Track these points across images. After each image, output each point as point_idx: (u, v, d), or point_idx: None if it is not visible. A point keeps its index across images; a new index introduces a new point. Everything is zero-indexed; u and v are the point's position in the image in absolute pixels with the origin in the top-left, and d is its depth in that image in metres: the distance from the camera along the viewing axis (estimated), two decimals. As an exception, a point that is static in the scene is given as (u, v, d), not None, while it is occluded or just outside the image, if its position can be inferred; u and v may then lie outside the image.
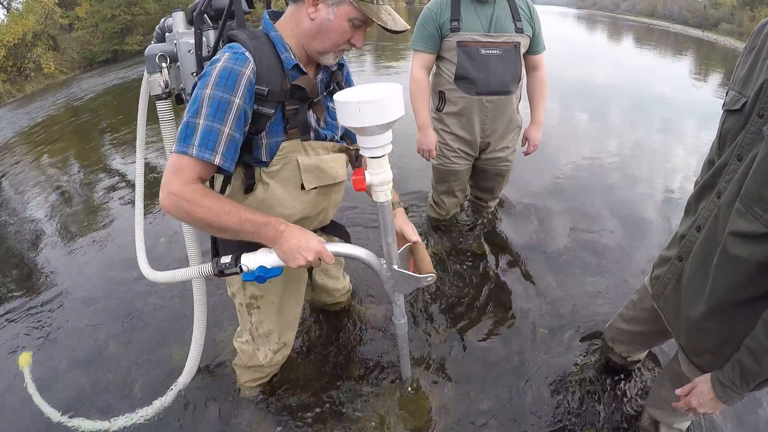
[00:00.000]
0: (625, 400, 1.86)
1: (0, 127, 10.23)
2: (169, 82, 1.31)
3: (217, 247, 1.43)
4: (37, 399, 1.85)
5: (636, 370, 1.96)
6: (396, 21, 1.15)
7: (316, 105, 1.28)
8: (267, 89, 1.12)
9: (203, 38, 1.25)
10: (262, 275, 1.19)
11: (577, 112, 6.19)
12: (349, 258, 1.30)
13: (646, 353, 1.94)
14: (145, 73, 1.34)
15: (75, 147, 6.77)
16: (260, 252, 1.22)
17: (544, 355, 2.06)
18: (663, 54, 14.85)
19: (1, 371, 2.17)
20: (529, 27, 2.22)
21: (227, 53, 1.08)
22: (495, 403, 1.84)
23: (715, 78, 10.36)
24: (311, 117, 1.26)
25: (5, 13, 21.69)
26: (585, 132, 5.41)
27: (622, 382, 1.93)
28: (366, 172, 1.14)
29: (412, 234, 1.38)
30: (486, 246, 2.82)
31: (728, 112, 1.06)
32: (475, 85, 2.24)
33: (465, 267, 2.63)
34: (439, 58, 2.31)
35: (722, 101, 1.10)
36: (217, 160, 1.07)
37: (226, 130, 1.07)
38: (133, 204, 4.01)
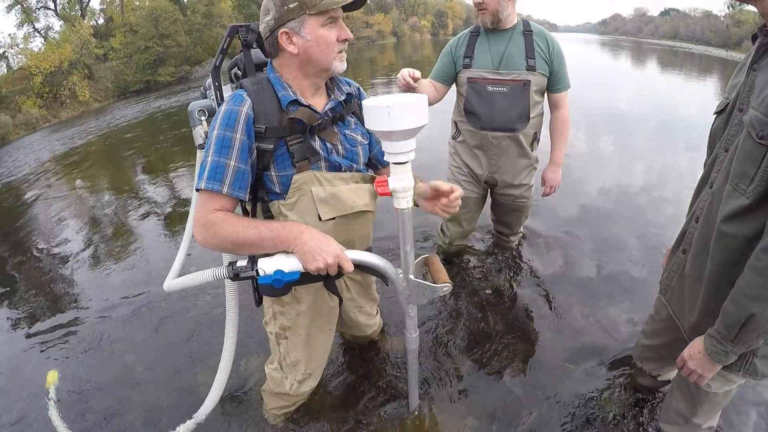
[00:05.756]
0: (652, 426, 1.80)
1: (35, 150, 10.69)
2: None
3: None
4: (56, 421, 1.86)
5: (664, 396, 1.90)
6: None
7: (326, 131, 1.32)
8: (264, 126, 1.21)
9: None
10: (279, 278, 1.17)
11: (602, 138, 6.14)
12: (366, 266, 1.29)
13: (676, 371, 1.88)
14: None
15: (107, 173, 7.01)
16: (278, 256, 1.21)
17: (570, 389, 2.00)
18: (688, 76, 14.69)
19: (27, 388, 2.22)
20: (544, 65, 2.19)
21: (230, 98, 1.24)
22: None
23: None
24: (318, 145, 1.29)
25: (43, 41, 22.91)
26: (610, 158, 5.34)
27: (650, 408, 1.87)
28: (389, 178, 1.17)
29: (443, 184, 1.32)
30: (509, 277, 2.79)
31: (716, 114, 1.21)
32: (480, 120, 2.28)
33: (486, 299, 2.59)
34: (456, 91, 2.40)
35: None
36: (225, 190, 1.19)
37: (232, 162, 1.19)
38: (165, 228, 4.14)
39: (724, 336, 1.10)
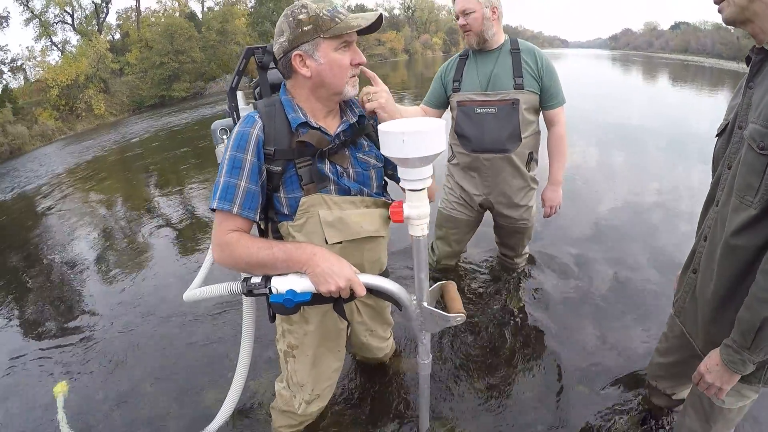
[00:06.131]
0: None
1: (50, 162, 10.87)
2: None
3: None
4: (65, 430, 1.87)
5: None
6: (366, 17, 1.20)
7: (336, 155, 1.30)
8: (273, 149, 1.22)
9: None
10: (290, 298, 1.17)
11: (614, 154, 6.09)
12: (379, 291, 1.25)
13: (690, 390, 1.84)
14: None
15: (120, 186, 7.10)
16: (291, 275, 1.21)
17: (583, 411, 1.94)
18: (699, 90, 14.59)
19: (36, 398, 2.23)
20: (533, 82, 2.14)
21: (243, 119, 1.26)
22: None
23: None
24: (328, 168, 1.28)
25: (60, 54, 23.49)
26: (623, 174, 5.28)
27: (665, 428, 1.83)
28: (404, 205, 1.16)
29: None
30: (518, 299, 2.73)
31: (717, 136, 1.25)
32: (471, 142, 2.26)
33: (496, 321, 2.54)
34: (450, 115, 2.39)
35: None
36: (235, 210, 1.20)
37: (242, 183, 1.21)
38: (175, 242, 4.16)
39: (740, 344, 1.09)
